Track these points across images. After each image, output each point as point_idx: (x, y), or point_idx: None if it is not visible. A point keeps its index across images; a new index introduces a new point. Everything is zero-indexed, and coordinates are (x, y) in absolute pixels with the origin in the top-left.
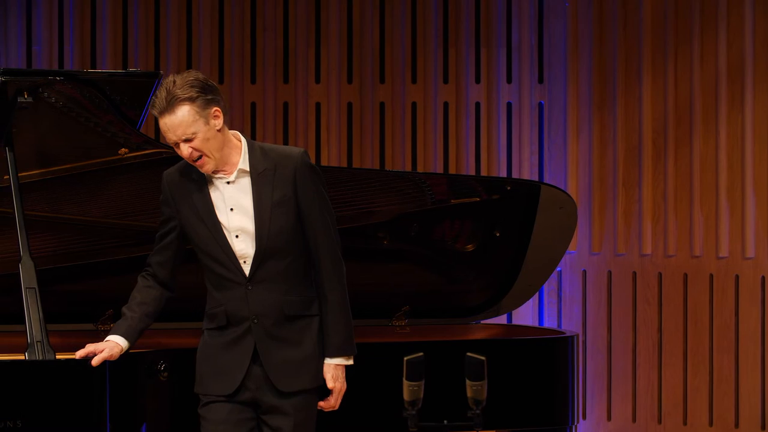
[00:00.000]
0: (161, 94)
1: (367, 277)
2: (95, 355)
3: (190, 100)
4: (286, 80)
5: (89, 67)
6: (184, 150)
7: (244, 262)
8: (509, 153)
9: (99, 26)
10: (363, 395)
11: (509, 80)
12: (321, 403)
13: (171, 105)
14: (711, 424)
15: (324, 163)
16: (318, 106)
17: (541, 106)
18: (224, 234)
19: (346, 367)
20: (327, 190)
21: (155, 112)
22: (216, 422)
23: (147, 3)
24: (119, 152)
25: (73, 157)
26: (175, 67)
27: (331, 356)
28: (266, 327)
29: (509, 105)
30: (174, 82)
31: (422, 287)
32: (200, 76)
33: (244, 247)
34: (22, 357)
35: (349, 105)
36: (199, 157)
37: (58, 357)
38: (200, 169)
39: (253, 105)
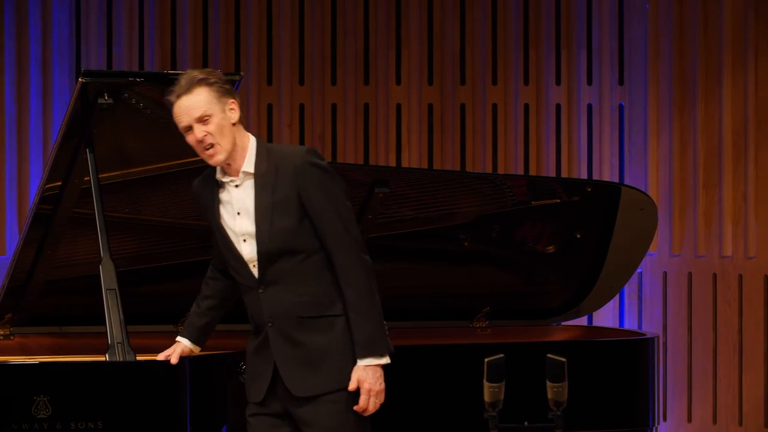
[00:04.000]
0: (181, 81)
1: (447, 279)
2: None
3: (208, 83)
4: (366, 82)
5: (169, 68)
6: (198, 132)
7: (253, 266)
8: (590, 154)
9: (179, 27)
10: (444, 396)
11: (589, 82)
12: (355, 406)
13: (190, 86)
14: None
15: (404, 164)
16: (399, 107)
17: (621, 107)
18: (231, 239)
19: (386, 365)
20: (339, 183)
21: (173, 97)
22: None
23: (227, 5)
24: None
25: (153, 158)
26: (255, 69)
27: (360, 357)
28: (282, 330)
29: (590, 106)
30: (193, 72)
31: (503, 289)
32: (220, 72)
33: (251, 250)
34: (102, 358)
35: (430, 106)
36: (211, 146)
37: (138, 358)
38: (210, 160)
39: (334, 106)
